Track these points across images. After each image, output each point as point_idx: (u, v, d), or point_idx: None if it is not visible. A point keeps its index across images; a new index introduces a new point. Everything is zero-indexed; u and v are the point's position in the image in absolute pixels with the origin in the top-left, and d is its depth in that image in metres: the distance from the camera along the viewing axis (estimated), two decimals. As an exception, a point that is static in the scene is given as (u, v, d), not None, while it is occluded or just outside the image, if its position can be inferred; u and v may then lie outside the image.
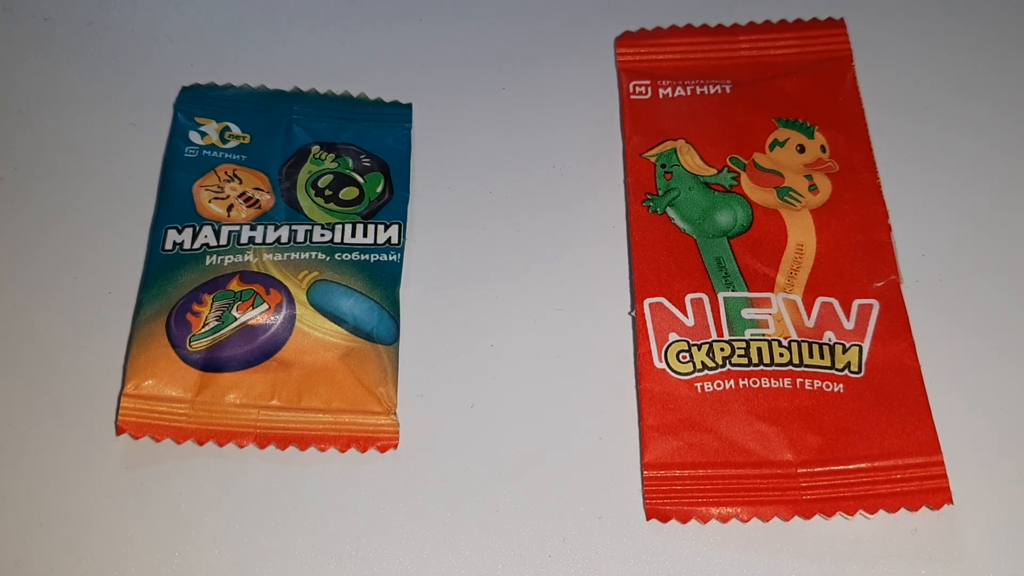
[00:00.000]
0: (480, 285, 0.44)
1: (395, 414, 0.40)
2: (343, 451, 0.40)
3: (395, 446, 0.40)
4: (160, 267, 0.42)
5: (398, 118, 0.47)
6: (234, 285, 0.41)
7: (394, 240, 0.43)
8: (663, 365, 0.41)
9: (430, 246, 0.45)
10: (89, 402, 0.40)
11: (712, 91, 0.49)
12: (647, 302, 0.43)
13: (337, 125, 0.47)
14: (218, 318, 0.41)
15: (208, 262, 0.42)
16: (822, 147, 0.47)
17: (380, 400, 0.40)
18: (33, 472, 0.39)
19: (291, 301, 0.41)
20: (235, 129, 0.46)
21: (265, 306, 0.41)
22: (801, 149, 0.47)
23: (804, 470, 0.39)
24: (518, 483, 0.39)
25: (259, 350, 0.40)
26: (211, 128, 0.46)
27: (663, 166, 0.46)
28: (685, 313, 0.42)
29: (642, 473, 0.40)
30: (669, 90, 0.49)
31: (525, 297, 0.44)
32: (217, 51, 0.49)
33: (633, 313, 0.43)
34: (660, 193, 0.46)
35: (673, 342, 0.42)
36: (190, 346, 0.40)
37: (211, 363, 0.40)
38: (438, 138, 0.48)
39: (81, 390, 0.40)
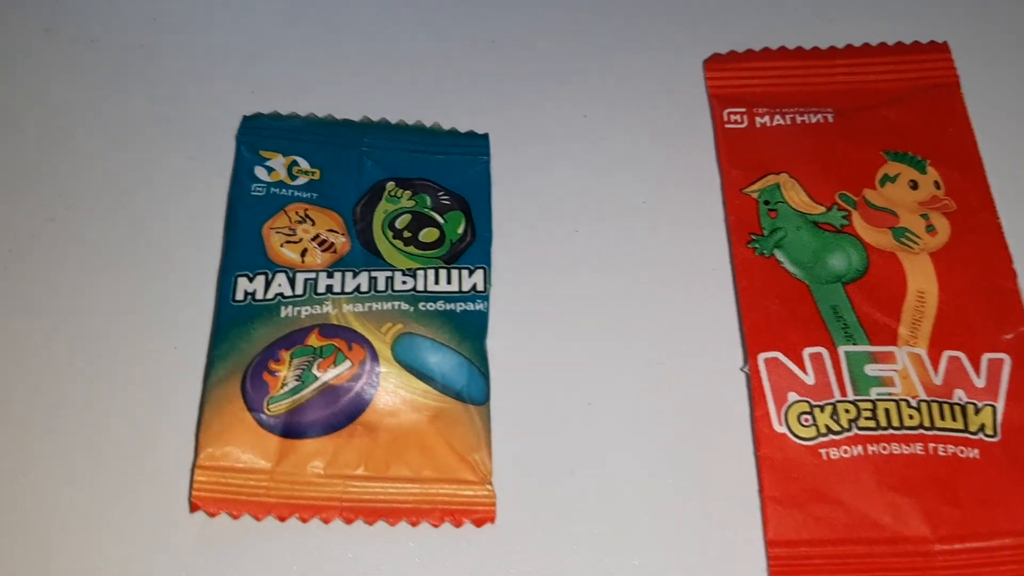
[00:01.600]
0: (571, 336, 0.40)
1: (491, 483, 0.36)
2: (437, 525, 0.36)
3: (492, 519, 0.36)
4: (232, 320, 0.38)
5: (475, 150, 0.44)
6: (313, 340, 0.37)
7: (479, 287, 0.40)
8: (783, 429, 0.38)
9: (513, 292, 0.41)
10: (158, 475, 0.36)
11: (813, 120, 0.45)
12: (761, 357, 0.39)
13: (411, 158, 0.43)
14: (298, 377, 0.37)
15: (284, 314, 0.38)
16: (936, 183, 0.43)
17: (474, 468, 0.36)
18: (99, 557, 0.35)
19: (375, 357, 0.37)
20: (304, 164, 0.42)
21: (348, 363, 0.37)
22: (914, 185, 0.43)
23: (942, 547, 0.36)
24: (625, 560, 0.36)
25: (342, 413, 0.36)
26: (278, 163, 0.42)
27: (766, 203, 0.43)
28: (804, 369, 0.39)
29: (766, 551, 0.36)
30: (767, 118, 0.45)
31: (622, 349, 0.40)
32: (279, 77, 0.45)
33: (746, 369, 0.39)
34: (765, 233, 0.42)
35: (793, 403, 0.38)
36: (268, 409, 0.36)
37: (291, 428, 0.36)
38: (516, 171, 0.44)
39: (148, 461, 0.36)
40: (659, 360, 0.40)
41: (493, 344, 0.39)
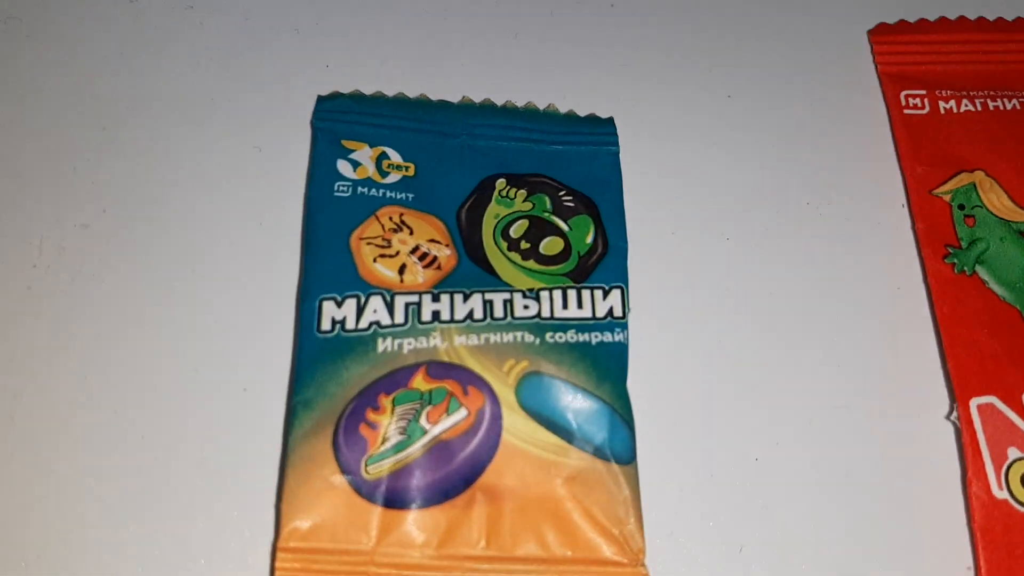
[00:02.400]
0: (727, 374, 0.33)
1: (644, 565, 0.29)
2: (578, 619, 0.28)
3: (646, 610, 0.29)
4: (317, 356, 0.30)
5: (601, 138, 0.36)
6: (419, 382, 0.30)
7: (617, 312, 0.32)
8: (1004, 494, 0.30)
9: (650, 319, 0.34)
10: (226, 559, 0.29)
11: (1009, 106, 0.37)
12: (974, 403, 0.31)
13: (523, 149, 0.35)
14: (402, 431, 0.29)
15: (381, 348, 0.30)
16: None
17: (623, 545, 0.29)
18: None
19: (496, 403, 0.30)
20: (395, 156, 0.34)
21: (463, 412, 0.29)
22: None
23: None
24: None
25: (457, 475, 0.29)
26: (364, 155, 0.34)
27: (961, 207, 0.35)
28: (1026, 419, 0.31)
29: (987, 648, 0.29)
30: (952, 103, 0.37)
31: (793, 390, 0.33)
32: (359, 47, 0.37)
33: (954, 418, 0.32)
34: (964, 245, 0.34)
35: (1015, 460, 0.31)
36: (367, 471, 0.29)
37: (395, 496, 0.29)
38: (646, 166, 0.36)
39: (213, 542, 0.29)
40: (841, 404, 0.32)
41: (635, 385, 0.32)
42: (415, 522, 0.29)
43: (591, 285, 0.33)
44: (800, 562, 0.30)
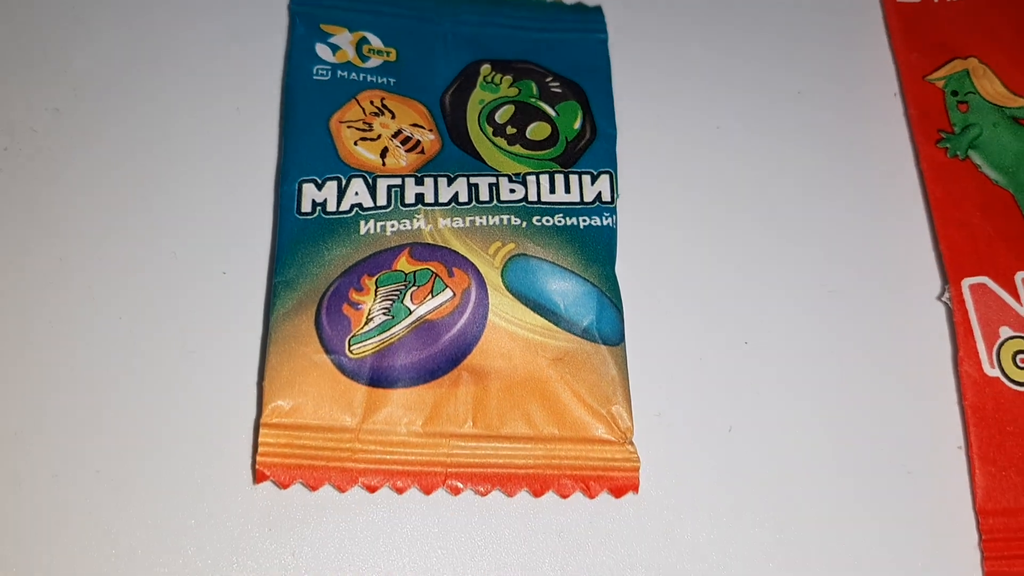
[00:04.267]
0: (717, 258, 0.32)
1: (632, 443, 0.29)
2: (565, 496, 0.28)
3: (635, 488, 0.28)
4: (298, 237, 0.30)
5: (588, 26, 0.35)
6: (403, 264, 0.29)
7: (605, 197, 0.31)
8: (996, 372, 0.30)
9: (643, 205, 0.33)
10: (211, 436, 0.28)
11: (1004, -8, 0.36)
12: (966, 283, 0.31)
13: (509, 36, 0.34)
14: (386, 311, 0.29)
15: (364, 230, 0.30)
16: None
17: (612, 424, 0.28)
18: (142, 539, 0.27)
19: (482, 285, 0.29)
20: (376, 41, 0.33)
21: (448, 293, 0.29)
22: None
23: None
24: (797, 538, 0.29)
25: (442, 356, 0.28)
26: (344, 39, 0.33)
27: (954, 93, 0.34)
28: (1018, 298, 0.31)
29: (977, 523, 0.29)
30: (946, -11, 0.36)
31: (784, 273, 0.32)
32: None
33: (946, 298, 0.31)
34: (957, 130, 0.34)
35: (1007, 339, 0.30)
36: (350, 351, 0.28)
37: (380, 375, 0.28)
38: (637, 52, 0.36)
39: (198, 420, 0.28)
40: (831, 287, 0.32)
41: (621, 270, 0.31)
42: (401, 401, 0.28)
43: (579, 170, 0.32)
44: (789, 443, 0.30)
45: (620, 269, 0.31)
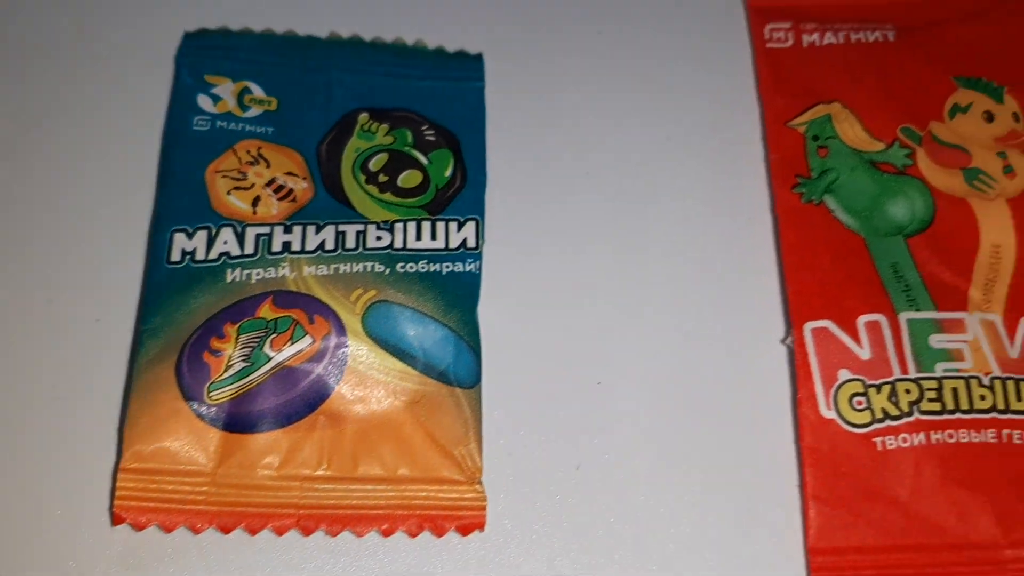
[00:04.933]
0: (579, 302, 0.34)
1: (481, 482, 0.30)
2: (414, 535, 0.30)
3: (481, 526, 0.30)
4: (165, 286, 0.31)
5: (467, 75, 0.36)
6: (266, 311, 0.31)
7: (471, 243, 0.33)
8: (832, 413, 0.32)
9: (509, 250, 0.35)
10: (72, 480, 0.30)
11: (871, 38, 0.38)
12: (808, 327, 0.33)
13: (389, 85, 0.36)
14: (246, 358, 0.30)
15: (230, 278, 0.31)
16: (1015, 115, 0.36)
17: (461, 464, 0.30)
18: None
19: (342, 331, 0.31)
20: (258, 91, 0.35)
21: (308, 339, 0.31)
22: (989, 117, 0.36)
23: (1016, 552, 0.30)
24: (641, 571, 0.30)
25: (301, 400, 0.30)
26: (226, 90, 0.35)
27: (815, 138, 0.36)
28: (858, 341, 0.32)
29: (806, 559, 0.30)
30: (816, 36, 0.38)
31: (641, 317, 0.34)
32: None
33: (789, 341, 0.33)
34: (814, 175, 0.35)
35: (845, 382, 0.32)
36: (209, 397, 0.30)
37: (237, 420, 0.30)
38: (514, 101, 0.37)
39: (60, 462, 0.30)
40: (684, 330, 0.34)
41: (484, 313, 0.33)
42: (256, 445, 0.30)
43: (446, 217, 0.33)
44: (635, 481, 0.31)
45: (484, 312, 0.33)
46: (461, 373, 0.31)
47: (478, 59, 0.37)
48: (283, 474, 0.30)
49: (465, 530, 0.30)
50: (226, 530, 0.29)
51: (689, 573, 0.30)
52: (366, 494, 0.30)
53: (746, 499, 0.31)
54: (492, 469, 0.31)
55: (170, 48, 0.36)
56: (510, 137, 0.36)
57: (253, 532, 0.29)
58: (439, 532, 0.30)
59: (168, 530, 0.29)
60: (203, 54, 0.36)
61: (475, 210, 0.34)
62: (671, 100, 0.37)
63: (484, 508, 0.30)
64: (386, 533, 0.30)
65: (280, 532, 0.29)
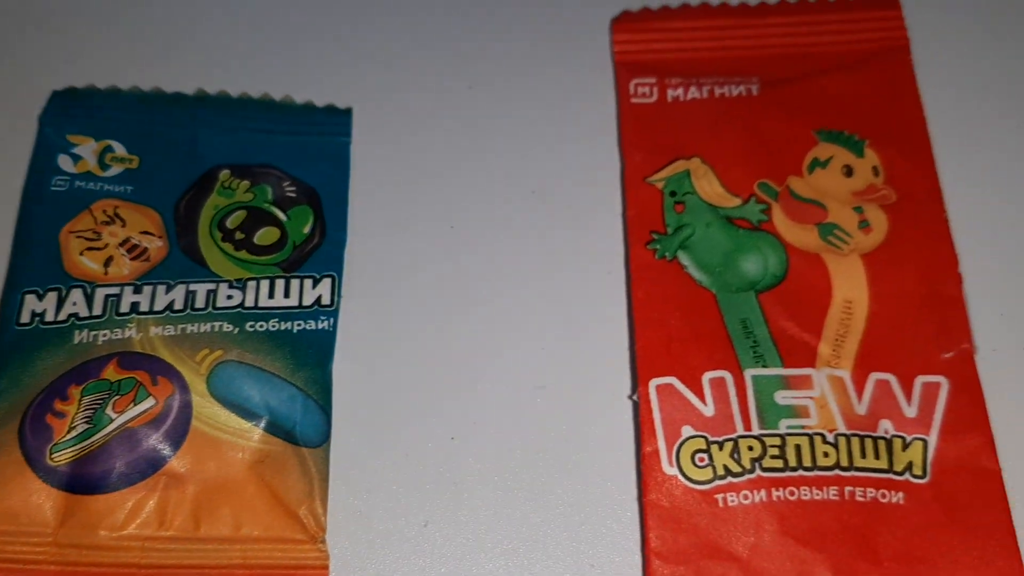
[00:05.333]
0: (438, 358, 0.34)
1: (324, 541, 0.31)
2: (256, 594, 0.30)
3: (325, 584, 0.30)
4: (13, 347, 0.32)
5: (333, 128, 0.37)
6: (110, 373, 0.31)
7: (325, 300, 0.33)
8: (674, 470, 0.32)
9: (370, 306, 0.35)
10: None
11: (735, 93, 0.38)
12: (653, 383, 0.33)
13: (254, 140, 0.36)
14: (88, 419, 0.31)
15: (77, 340, 0.32)
16: (874, 169, 0.37)
17: (304, 523, 0.31)
18: None
19: (185, 392, 0.31)
20: (119, 149, 0.35)
21: (151, 401, 0.31)
22: (848, 171, 0.37)
23: (855, 609, 0.31)
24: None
25: (143, 461, 0.31)
26: (87, 149, 0.35)
27: (672, 194, 0.36)
28: (703, 399, 0.33)
29: (646, 616, 0.31)
30: (680, 91, 0.38)
31: (496, 372, 0.34)
32: (100, 43, 0.38)
33: (635, 397, 0.33)
34: (669, 231, 0.36)
35: (687, 438, 0.32)
36: (51, 459, 0.30)
37: (79, 481, 0.30)
38: (383, 155, 0.38)
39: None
40: (540, 385, 0.34)
41: (341, 370, 0.33)
42: (98, 506, 0.30)
43: (301, 274, 0.34)
44: (482, 535, 0.32)
45: (339, 368, 0.33)
46: (308, 432, 0.32)
47: (347, 113, 0.37)
48: (124, 535, 0.30)
49: (308, 589, 0.30)
50: (65, 591, 0.30)
51: (530, 630, 0.31)
52: (207, 554, 0.30)
53: (591, 554, 0.32)
54: (340, 528, 0.31)
55: (37, 107, 0.36)
56: (376, 192, 0.37)
57: (92, 593, 0.30)
58: (280, 592, 0.30)
59: (3, 594, 0.29)
60: (67, 113, 0.36)
61: (333, 267, 0.34)
62: (539, 155, 0.38)
63: (327, 567, 0.31)
64: (227, 593, 0.30)
65: (119, 594, 0.30)
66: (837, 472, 0.32)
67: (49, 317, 0.32)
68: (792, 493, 0.32)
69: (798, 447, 0.32)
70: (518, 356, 0.34)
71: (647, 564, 0.31)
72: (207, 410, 0.31)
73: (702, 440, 0.32)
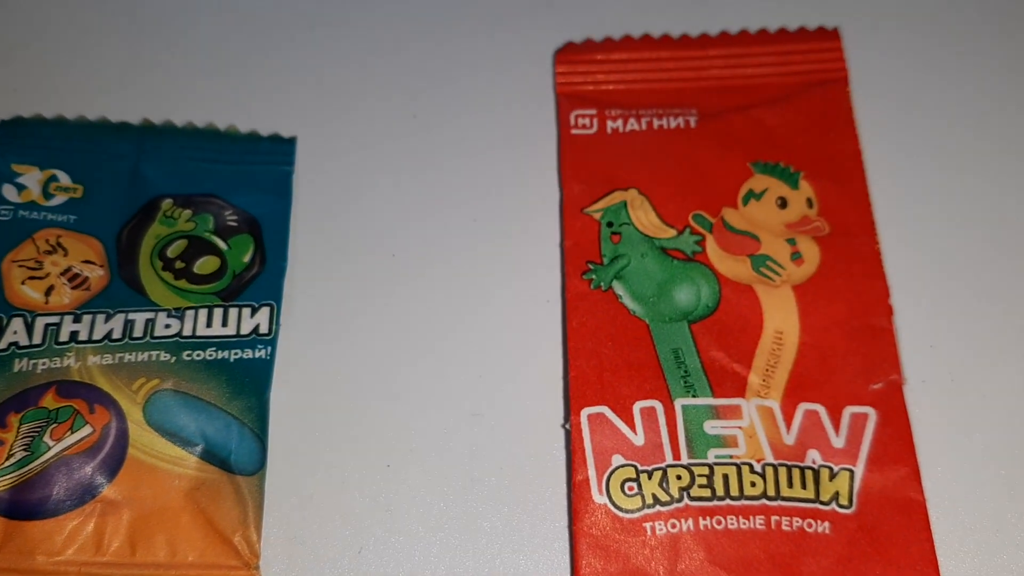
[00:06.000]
0: (374, 386, 0.35)
1: (257, 568, 0.31)
2: (189, 620, 0.31)
3: (257, 611, 0.31)
4: (-48, 377, 0.32)
5: (276, 158, 0.38)
6: (48, 401, 0.32)
7: (263, 329, 0.34)
8: (604, 499, 0.33)
9: (310, 335, 0.36)
10: None
11: (673, 125, 0.39)
12: (585, 412, 0.34)
13: (198, 170, 0.37)
14: (26, 447, 0.31)
15: (17, 368, 0.32)
16: (808, 200, 0.38)
17: (238, 550, 0.31)
18: None
19: (122, 420, 0.32)
20: (64, 179, 0.36)
21: (88, 429, 0.32)
22: (782, 203, 0.38)
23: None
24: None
25: (80, 488, 0.31)
26: (32, 178, 0.36)
27: (610, 224, 0.37)
28: (633, 428, 0.34)
29: (573, 643, 0.31)
30: (619, 123, 0.39)
31: (433, 400, 0.35)
32: (48, 72, 0.39)
33: (567, 426, 0.34)
34: (605, 261, 0.36)
35: (617, 467, 0.33)
36: (-13, 486, 0.31)
37: (17, 508, 0.31)
38: (326, 184, 0.38)
39: None
40: (476, 412, 0.35)
41: (279, 399, 0.34)
42: (36, 532, 0.31)
43: (240, 303, 0.34)
44: (415, 562, 0.32)
45: (277, 397, 0.34)
46: (242, 460, 0.32)
47: (290, 143, 0.38)
48: (62, 559, 0.31)
49: (240, 614, 0.31)
50: (2, 617, 0.30)
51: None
52: (143, 580, 0.31)
53: (520, 582, 0.32)
54: (275, 555, 0.32)
55: (-16, 135, 0.37)
56: (318, 220, 0.37)
57: (28, 618, 0.30)
58: (214, 618, 0.31)
59: (-64, 621, 0.30)
60: (12, 142, 0.36)
61: (272, 295, 0.35)
62: (480, 184, 0.38)
63: (259, 593, 0.31)
64: (160, 619, 0.31)
65: (55, 618, 0.30)
66: (764, 502, 0.33)
67: (-11, 346, 0.33)
68: (719, 522, 0.32)
69: (726, 476, 0.33)
70: (454, 384, 0.35)
71: (576, 591, 0.32)
72: (143, 438, 0.32)
73: (632, 469, 0.33)
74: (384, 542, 0.33)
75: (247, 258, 0.35)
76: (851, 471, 0.33)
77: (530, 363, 0.35)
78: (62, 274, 0.34)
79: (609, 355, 0.35)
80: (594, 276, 0.36)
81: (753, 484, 0.33)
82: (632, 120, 0.39)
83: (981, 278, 0.37)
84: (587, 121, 0.39)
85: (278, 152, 0.38)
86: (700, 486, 0.33)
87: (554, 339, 0.36)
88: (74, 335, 0.33)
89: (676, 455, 0.33)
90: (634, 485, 0.33)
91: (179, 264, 0.35)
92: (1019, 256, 0.37)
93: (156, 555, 0.31)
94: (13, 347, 0.33)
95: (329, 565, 0.32)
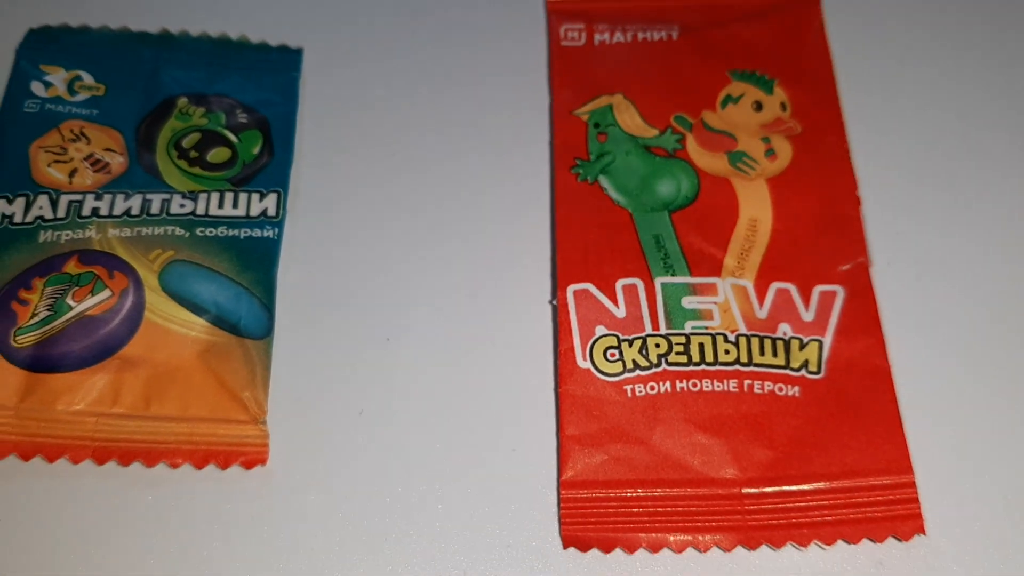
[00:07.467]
0: (375, 267, 0.37)
1: (264, 423, 0.33)
2: (199, 467, 0.33)
3: (263, 461, 0.33)
4: (-17, 246, 0.35)
5: (284, 65, 0.40)
6: (71, 267, 0.34)
7: (271, 212, 0.36)
8: (587, 364, 0.35)
9: (316, 220, 0.38)
10: None
11: (656, 37, 0.42)
12: (571, 289, 0.36)
13: (211, 73, 0.40)
14: (49, 307, 0.34)
15: (42, 239, 0.35)
16: (782, 104, 0.40)
17: (246, 406, 0.33)
18: None
19: (139, 286, 0.34)
20: (88, 79, 0.39)
21: (107, 292, 0.34)
22: (758, 106, 0.40)
23: (750, 490, 0.33)
24: (413, 506, 0.33)
25: (99, 346, 0.33)
26: (58, 78, 0.38)
27: (596, 125, 0.40)
28: (615, 302, 0.36)
29: (559, 493, 0.33)
30: (606, 35, 0.42)
31: (429, 280, 0.37)
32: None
33: (554, 302, 0.36)
34: (592, 158, 0.39)
35: (600, 337, 0.35)
36: (15, 341, 0.33)
37: (40, 362, 0.33)
38: (331, 90, 0.41)
39: None
40: (469, 292, 0.37)
41: (287, 276, 0.36)
42: (57, 384, 0.33)
43: (250, 189, 0.37)
44: (412, 423, 0.35)
45: (284, 275, 0.36)
46: (251, 326, 0.35)
47: (297, 52, 0.41)
48: (80, 410, 0.33)
49: (248, 464, 0.33)
50: (25, 458, 0.32)
51: (456, 499, 0.33)
52: (156, 430, 0.33)
53: (512, 439, 0.34)
54: (280, 413, 0.34)
55: (15, 43, 0.40)
56: (326, 123, 0.40)
57: (51, 460, 0.33)
58: (223, 465, 0.33)
59: (-28, 458, 0.32)
60: (41, 47, 0.39)
61: (279, 184, 0.37)
62: (474, 92, 0.41)
63: (266, 445, 0.33)
64: (174, 465, 0.33)
65: (75, 461, 0.33)
66: (737, 367, 0.35)
67: (17, 219, 0.35)
68: (695, 385, 0.35)
69: (701, 345, 0.35)
70: (450, 265, 0.37)
71: (562, 447, 0.34)
72: (159, 303, 0.34)
73: (614, 338, 0.35)
74: (384, 407, 0.35)
75: (256, 150, 0.38)
76: (820, 341, 0.35)
77: (519, 247, 0.38)
78: (85, 159, 0.37)
79: (594, 240, 0.37)
80: (581, 170, 0.39)
81: (727, 352, 0.35)
82: (618, 33, 0.42)
83: (946, 170, 0.39)
84: (576, 34, 0.42)
85: (286, 60, 0.40)
86: (677, 353, 0.35)
87: (542, 227, 0.38)
88: (95, 211, 0.35)
89: (655, 326, 0.35)
90: (615, 352, 0.35)
91: (193, 154, 0.37)
92: (978, 149, 0.39)
93: (169, 409, 0.33)
94: (39, 220, 0.35)
95: (332, 424, 0.35)
